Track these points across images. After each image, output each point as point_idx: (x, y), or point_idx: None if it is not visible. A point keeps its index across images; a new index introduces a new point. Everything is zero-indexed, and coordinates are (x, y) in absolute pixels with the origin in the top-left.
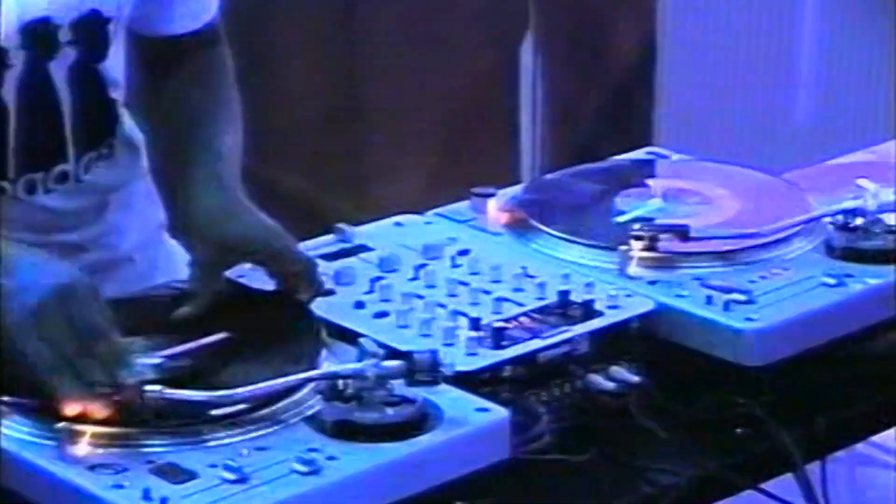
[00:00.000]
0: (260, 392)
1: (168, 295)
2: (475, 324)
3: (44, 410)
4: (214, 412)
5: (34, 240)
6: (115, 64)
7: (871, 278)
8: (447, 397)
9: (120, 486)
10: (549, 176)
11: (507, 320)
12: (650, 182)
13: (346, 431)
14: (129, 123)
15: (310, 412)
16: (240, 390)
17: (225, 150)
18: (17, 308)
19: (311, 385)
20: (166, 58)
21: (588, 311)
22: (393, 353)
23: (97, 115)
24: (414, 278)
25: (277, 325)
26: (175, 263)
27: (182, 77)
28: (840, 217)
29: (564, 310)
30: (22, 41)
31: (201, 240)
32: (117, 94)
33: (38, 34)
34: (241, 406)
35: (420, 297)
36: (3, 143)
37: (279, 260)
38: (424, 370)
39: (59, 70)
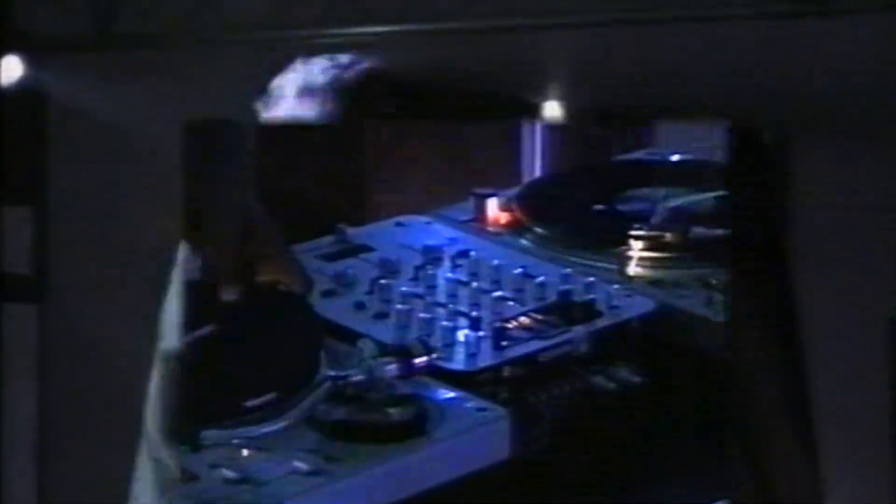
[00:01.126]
0: None
1: None
2: (475, 324)
3: None
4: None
5: None
6: None
7: None
8: (447, 397)
9: None
10: (548, 176)
11: (507, 320)
12: (651, 182)
13: (346, 432)
14: None
15: (311, 413)
16: None
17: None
18: None
19: (313, 385)
20: None
21: (588, 311)
22: (388, 349)
23: None
24: (414, 279)
25: (277, 321)
26: None
27: None
28: None
29: (565, 310)
30: None
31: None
32: None
33: None
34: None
35: (420, 297)
36: None
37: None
38: (418, 356)
39: None
